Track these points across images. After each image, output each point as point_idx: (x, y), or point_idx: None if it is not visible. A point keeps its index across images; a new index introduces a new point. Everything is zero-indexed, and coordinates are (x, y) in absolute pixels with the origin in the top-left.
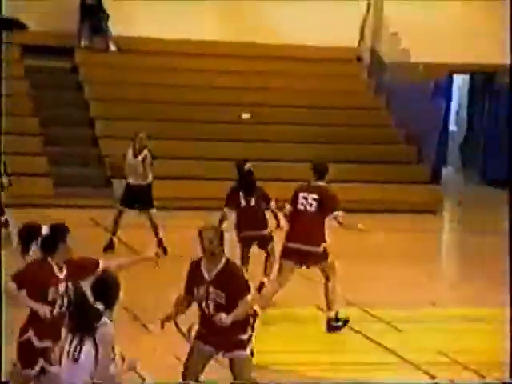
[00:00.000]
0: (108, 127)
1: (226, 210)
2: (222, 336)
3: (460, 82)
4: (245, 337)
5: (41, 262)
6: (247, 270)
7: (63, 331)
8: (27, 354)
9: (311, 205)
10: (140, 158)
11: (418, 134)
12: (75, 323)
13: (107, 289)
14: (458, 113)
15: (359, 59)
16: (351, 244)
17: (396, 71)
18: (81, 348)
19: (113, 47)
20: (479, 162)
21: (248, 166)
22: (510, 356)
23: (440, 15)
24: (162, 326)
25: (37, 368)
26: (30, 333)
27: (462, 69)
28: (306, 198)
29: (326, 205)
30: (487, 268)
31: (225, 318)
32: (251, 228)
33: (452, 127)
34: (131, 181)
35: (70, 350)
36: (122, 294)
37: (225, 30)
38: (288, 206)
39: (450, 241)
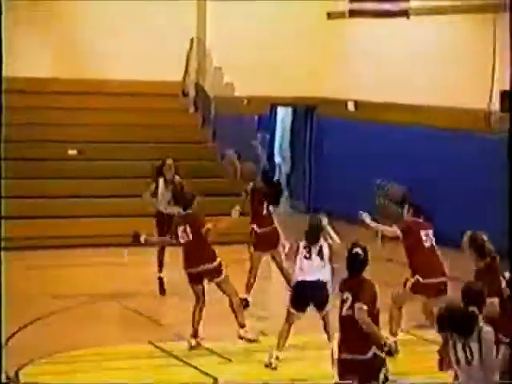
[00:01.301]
0: None
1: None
2: None
3: (283, 114)
4: None
5: None
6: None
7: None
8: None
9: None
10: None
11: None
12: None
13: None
14: (281, 145)
15: (185, 93)
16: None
17: (221, 105)
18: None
19: None
20: (304, 192)
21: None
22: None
23: (262, 50)
24: None
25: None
26: None
27: (284, 102)
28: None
29: None
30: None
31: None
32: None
33: (277, 159)
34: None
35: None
36: None
37: (50, 67)
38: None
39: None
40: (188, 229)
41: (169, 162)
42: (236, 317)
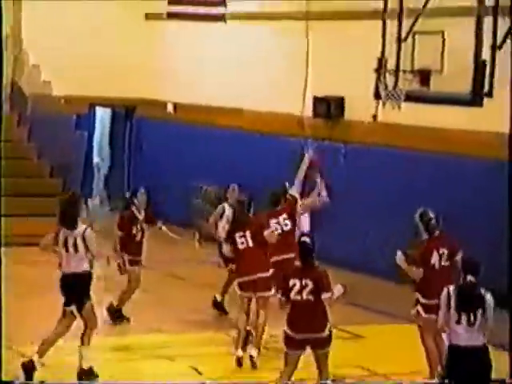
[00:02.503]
0: None
1: None
2: None
3: (102, 114)
4: None
5: None
6: None
7: None
8: None
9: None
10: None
11: (63, 167)
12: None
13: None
14: (100, 145)
15: None
16: None
17: (38, 103)
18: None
19: None
20: (122, 193)
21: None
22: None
23: (80, 49)
24: None
25: None
26: None
27: (103, 102)
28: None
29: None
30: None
31: None
32: None
33: (96, 159)
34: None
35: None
36: None
37: None
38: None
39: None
40: (248, 233)
41: (232, 185)
42: (252, 336)
